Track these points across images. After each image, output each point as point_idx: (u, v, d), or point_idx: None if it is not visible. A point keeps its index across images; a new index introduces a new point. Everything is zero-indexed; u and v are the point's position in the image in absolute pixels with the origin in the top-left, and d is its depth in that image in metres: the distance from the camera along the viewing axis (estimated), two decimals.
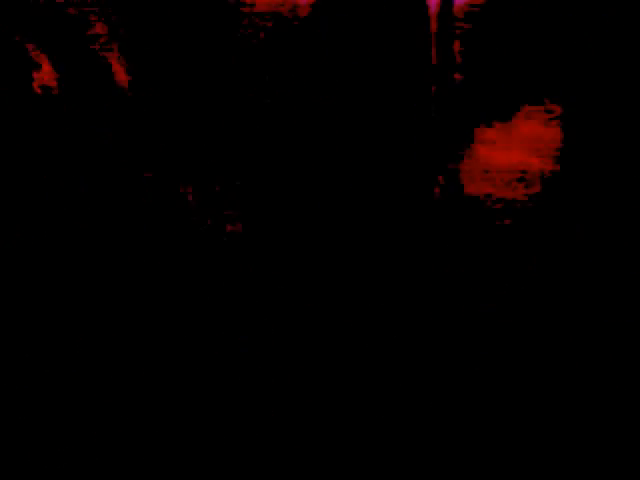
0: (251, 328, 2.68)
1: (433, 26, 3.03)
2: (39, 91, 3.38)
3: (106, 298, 2.82)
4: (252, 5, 3.41)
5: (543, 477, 2.16)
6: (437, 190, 2.69)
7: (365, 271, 2.95)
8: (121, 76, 3.42)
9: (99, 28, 3.35)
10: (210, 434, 2.27)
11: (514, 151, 3.13)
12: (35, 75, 3.36)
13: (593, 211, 2.80)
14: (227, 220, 3.20)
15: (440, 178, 2.73)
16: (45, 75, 3.40)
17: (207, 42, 3.42)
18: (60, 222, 3.17)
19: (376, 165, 3.20)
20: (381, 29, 3.00)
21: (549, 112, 3.06)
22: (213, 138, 3.36)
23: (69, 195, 3.27)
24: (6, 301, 2.79)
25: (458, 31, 3.02)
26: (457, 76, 2.93)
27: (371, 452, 2.22)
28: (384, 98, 2.93)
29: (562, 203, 2.81)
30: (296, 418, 2.32)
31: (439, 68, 2.87)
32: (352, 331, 2.67)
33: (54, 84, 3.39)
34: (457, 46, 3.02)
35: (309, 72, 3.22)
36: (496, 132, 3.12)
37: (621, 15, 2.90)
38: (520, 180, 3.08)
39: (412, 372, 2.50)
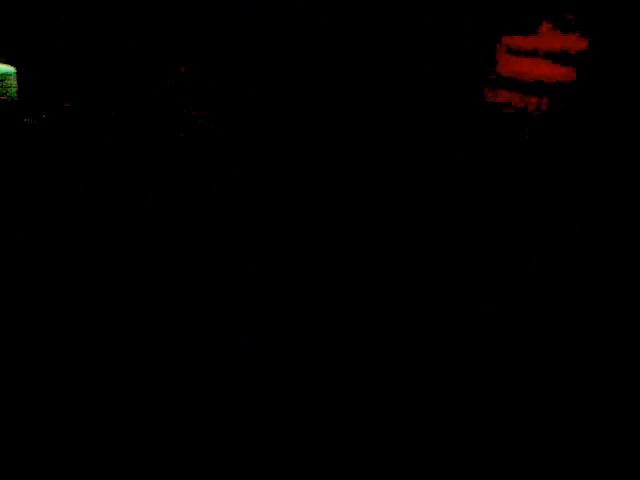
0: (251, 328, 2.68)
1: None
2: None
3: (105, 297, 2.82)
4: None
5: (543, 477, 2.16)
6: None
7: (365, 270, 2.95)
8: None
9: None
10: (210, 433, 2.27)
11: (539, 60, 3.11)
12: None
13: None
14: (226, 220, 3.20)
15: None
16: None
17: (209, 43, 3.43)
18: (60, 222, 3.17)
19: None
20: None
21: (572, 24, 3.05)
22: (213, 137, 3.36)
23: (69, 195, 3.27)
24: (6, 301, 2.79)
25: None
26: None
27: (371, 451, 2.23)
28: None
29: (580, 115, 2.77)
30: (296, 417, 2.33)
31: None
32: (352, 330, 2.67)
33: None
34: None
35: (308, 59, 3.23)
36: (523, 40, 3.10)
37: None
38: (542, 87, 3.06)
39: (412, 371, 2.50)
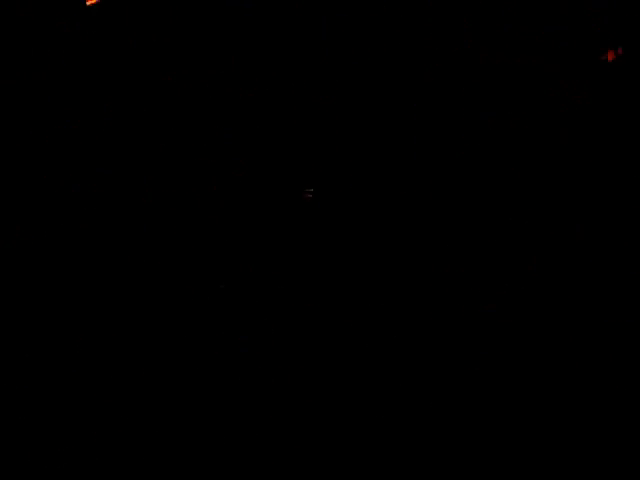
0: (251, 328, 2.68)
1: None
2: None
3: (105, 297, 2.82)
4: None
5: (543, 477, 2.16)
6: None
7: (365, 270, 2.95)
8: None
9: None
10: (210, 433, 2.26)
11: None
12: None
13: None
14: (226, 220, 3.20)
15: None
16: None
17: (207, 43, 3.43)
18: (59, 221, 3.17)
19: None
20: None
21: None
22: (212, 138, 3.36)
23: (67, 194, 3.27)
24: (6, 301, 2.79)
25: None
26: None
27: (371, 452, 2.22)
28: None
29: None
30: (296, 418, 2.32)
31: None
32: (352, 331, 2.67)
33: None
34: None
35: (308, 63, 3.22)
36: None
37: None
38: None
39: (412, 372, 2.50)
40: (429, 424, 2.32)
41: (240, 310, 2.76)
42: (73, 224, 3.17)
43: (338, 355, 2.57)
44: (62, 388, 2.41)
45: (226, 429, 2.29)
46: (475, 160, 3.25)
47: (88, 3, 2.90)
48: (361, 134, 3.29)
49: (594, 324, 2.69)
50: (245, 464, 2.17)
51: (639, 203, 3.08)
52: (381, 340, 2.63)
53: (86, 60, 3.40)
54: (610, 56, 3.04)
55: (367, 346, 2.61)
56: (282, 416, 2.33)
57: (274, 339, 2.63)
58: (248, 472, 2.15)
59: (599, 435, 2.28)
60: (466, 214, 3.13)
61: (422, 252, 3.02)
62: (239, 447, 2.23)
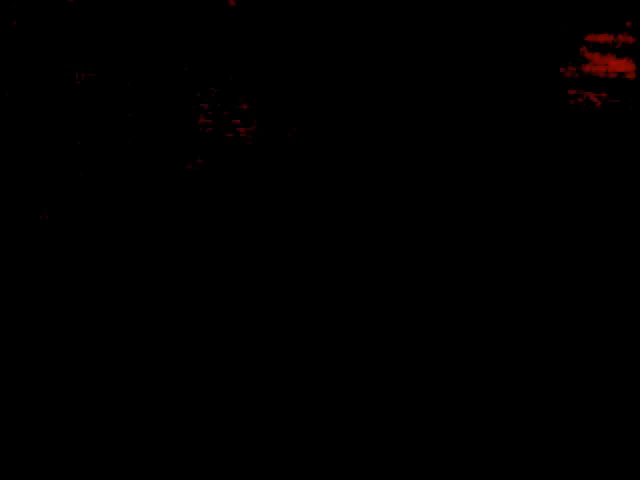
0: (251, 328, 2.68)
1: None
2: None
3: (105, 297, 2.82)
4: None
5: (543, 477, 2.16)
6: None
7: (365, 270, 2.95)
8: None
9: None
10: (210, 433, 2.27)
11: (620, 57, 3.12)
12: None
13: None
14: (226, 220, 3.20)
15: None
16: None
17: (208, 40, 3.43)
18: (59, 220, 3.17)
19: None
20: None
21: None
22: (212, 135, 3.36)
23: (67, 193, 3.27)
24: (6, 300, 2.79)
25: None
26: None
27: (370, 452, 2.22)
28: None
29: None
30: (296, 418, 2.32)
31: None
32: (352, 330, 2.67)
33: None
34: None
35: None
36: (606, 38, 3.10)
37: None
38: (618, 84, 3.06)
39: (412, 371, 2.50)
40: (429, 423, 2.32)
41: (240, 310, 2.77)
42: (73, 224, 3.17)
43: (338, 354, 2.57)
44: (62, 387, 2.41)
45: (226, 428, 2.29)
46: (475, 160, 3.26)
47: None
48: (361, 134, 3.29)
49: (594, 324, 2.69)
50: (245, 463, 2.18)
51: (639, 203, 3.09)
52: (381, 339, 2.63)
53: (85, 60, 3.41)
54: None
55: (367, 345, 2.61)
56: (282, 415, 2.34)
57: (274, 339, 2.63)
58: (248, 472, 2.15)
59: (599, 434, 2.28)
60: (466, 214, 3.13)
61: (422, 252, 3.02)
62: (239, 446, 2.23)
